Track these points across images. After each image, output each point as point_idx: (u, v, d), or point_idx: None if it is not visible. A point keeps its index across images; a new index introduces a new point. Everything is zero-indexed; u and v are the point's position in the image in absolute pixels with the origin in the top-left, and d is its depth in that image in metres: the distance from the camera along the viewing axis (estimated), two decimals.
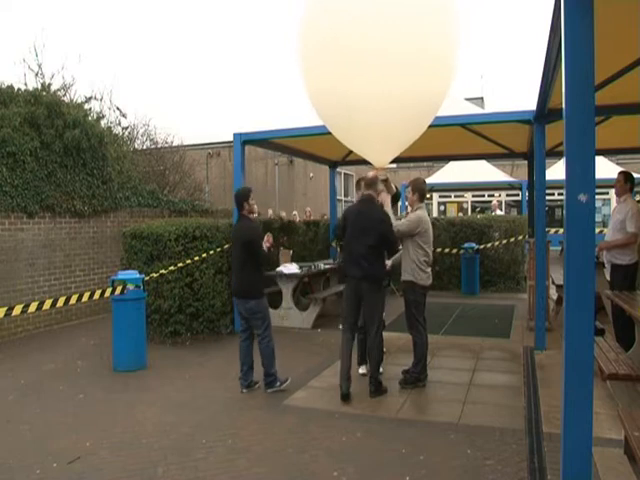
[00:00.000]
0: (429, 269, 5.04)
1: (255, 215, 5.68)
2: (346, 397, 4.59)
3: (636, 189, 7.10)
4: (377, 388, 4.73)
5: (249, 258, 4.90)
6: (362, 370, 5.32)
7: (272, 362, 4.96)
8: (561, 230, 9.10)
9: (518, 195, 19.08)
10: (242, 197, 5.05)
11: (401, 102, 3.88)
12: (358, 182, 5.27)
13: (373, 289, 4.69)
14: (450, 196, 23.84)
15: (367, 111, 3.92)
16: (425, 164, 22.00)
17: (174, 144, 14.81)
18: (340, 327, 4.97)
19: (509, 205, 22.74)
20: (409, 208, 5.42)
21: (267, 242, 5.08)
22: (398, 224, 4.95)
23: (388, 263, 5.29)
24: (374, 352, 4.79)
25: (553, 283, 7.82)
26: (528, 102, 6.15)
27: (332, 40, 3.74)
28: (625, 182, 5.68)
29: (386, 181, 4.96)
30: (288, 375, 5.07)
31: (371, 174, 4.86)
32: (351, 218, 4.81)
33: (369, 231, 4.65)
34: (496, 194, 21.86)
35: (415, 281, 4.97)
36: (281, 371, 5.04)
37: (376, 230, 4.65)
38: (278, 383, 4.96)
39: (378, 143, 4.34)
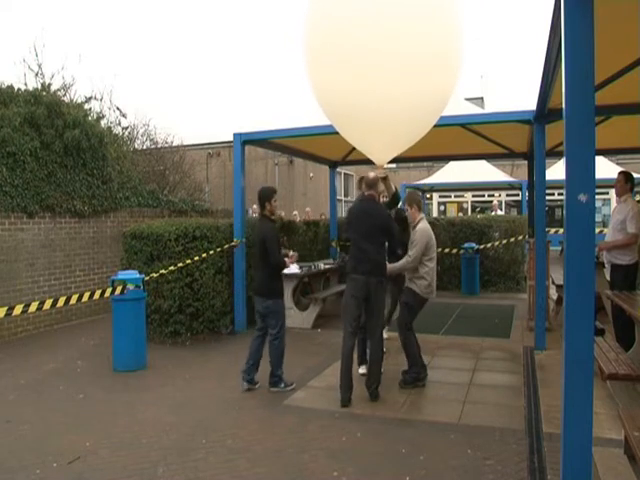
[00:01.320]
0: (435, 282, 5.09)
1: (279, 215, 5.74)
2: (347, 403, 4.56)
3: (636, 189, 7.10)
4: (377, 393, 4.71)
5: (266, 257, 4.93)
6: (362, 370, 5.30)
7: (279, 363, 4.97)
8: (561, 230, 9.09)
9: (518, 195, 19.07)
10: (264, 198, 5.07)
11: (408, 101, 3.86)
12: (360, 181, 5.25)
13: (380, 286, 4.64)
14: (450, 196, 23.85)
15: (373, 110, 3.91)
16: (425, 164, 22.01)
17: (174, 144, 14.81)
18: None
19: (509, 205, 22.74)
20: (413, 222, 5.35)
21: (290, 259, 5.13)
22: (411, 255, 4.97)
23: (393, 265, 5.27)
24: (377, 355, 4.74)
25: (553, 283, 7.82)
26: (528, 102, 6.15)
27: (339, 39, 3.73)
28: (625, 182, 5.68)
29: (385, 179, 4.95)
30: (288, 375, 5.06)
31: (372, 174, 4.85)
32: (356, 217, 4.78)
33: (377, 228, 4.65)
34: (496, 194, 21.86)
35: (420, 294, 5.03)
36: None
37: (383, 227, 4.67)
38: (282, 384, 4.97)
39: (383, 142, 4.33)
